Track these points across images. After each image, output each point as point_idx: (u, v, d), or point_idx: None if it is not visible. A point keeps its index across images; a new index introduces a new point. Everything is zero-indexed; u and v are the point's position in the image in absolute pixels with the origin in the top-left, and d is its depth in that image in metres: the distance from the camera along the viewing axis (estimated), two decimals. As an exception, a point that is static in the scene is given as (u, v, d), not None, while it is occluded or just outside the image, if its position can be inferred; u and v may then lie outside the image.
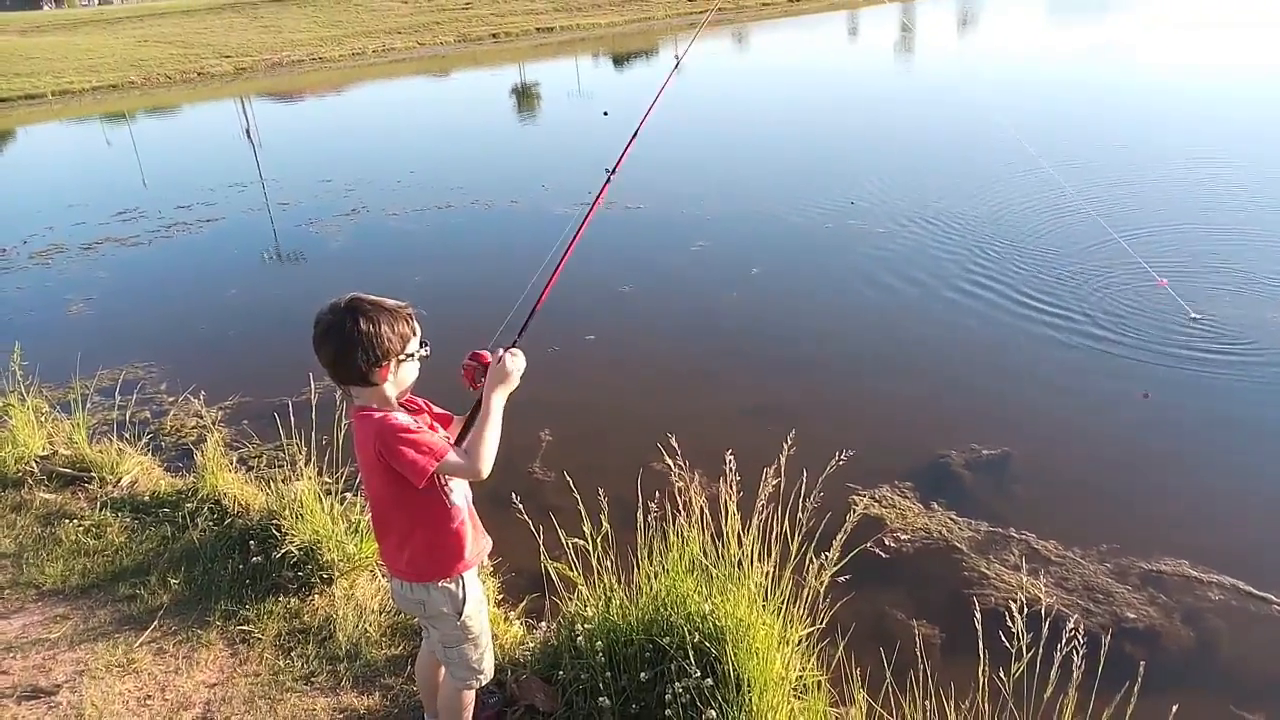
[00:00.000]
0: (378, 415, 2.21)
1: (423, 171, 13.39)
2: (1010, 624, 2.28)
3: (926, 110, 14.79)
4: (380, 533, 2.43)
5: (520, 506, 3.06)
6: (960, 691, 2.48)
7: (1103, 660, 2.29)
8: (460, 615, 2.41)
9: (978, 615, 2.41)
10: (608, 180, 2.92)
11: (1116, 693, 2.33)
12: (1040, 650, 2.29)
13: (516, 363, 2.34)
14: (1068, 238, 7.89)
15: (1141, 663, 2.25)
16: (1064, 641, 2.23)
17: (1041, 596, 3.42)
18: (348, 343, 2.14)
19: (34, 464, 4.70)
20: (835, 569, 2.77)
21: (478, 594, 2.47)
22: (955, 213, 8.89)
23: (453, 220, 10.65)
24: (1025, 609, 2.34)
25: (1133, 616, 3.59)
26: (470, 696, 2.66)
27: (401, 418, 2.24)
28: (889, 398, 5.65)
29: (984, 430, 5.00)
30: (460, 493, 2.38)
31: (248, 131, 19.29)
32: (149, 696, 3.13)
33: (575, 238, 2.63)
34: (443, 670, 2.60)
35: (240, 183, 13.47)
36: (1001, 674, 2.31)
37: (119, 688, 3.17)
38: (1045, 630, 2.29)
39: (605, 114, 16.89)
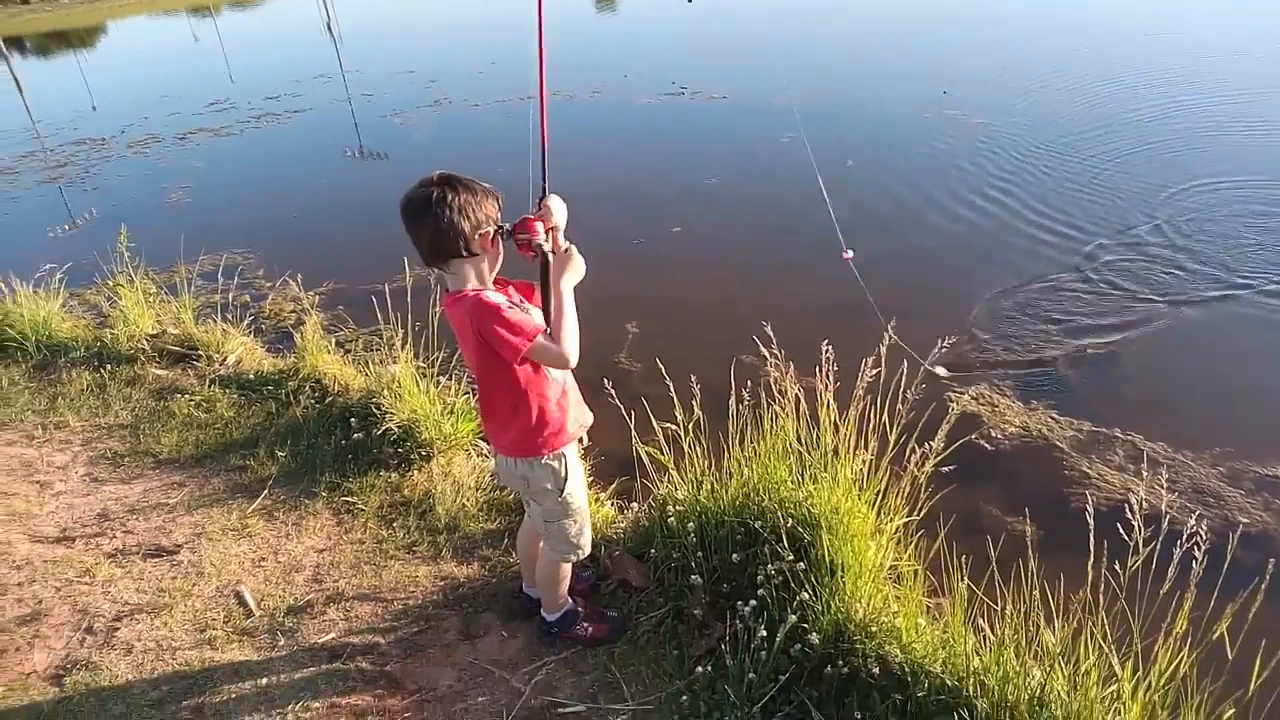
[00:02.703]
0: (471, 295, 2.18)
1: (503, 63, 13.17)
2: (1130, 518, 2.18)
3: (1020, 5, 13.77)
4: (485, 411, 2.43)
5: (612, 392, 3.05)
6: (1068, 585, 2.41)
7: (1227, 559, 2.19)
8: (562, 491, 2.44)
9: (1089, 510, 2.31)
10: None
11: (1236, 594, 2.23)
12: (1158, 547, 2.19)
13: (559, 208, 2.28)
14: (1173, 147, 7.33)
15: (1271, 561, 2.13)
16: (1184, 538, 2.12)
17: (1151, 498, 3.29)
18: (447, 211, 2.10)
19: (145, 342, 4.90)
20: (937, 459, 2.69)
21: (578, 471, 2.49)
22: (1052, 107, 8.33)
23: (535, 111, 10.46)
24: (1141, 506, 2.24)
25: (1246, 521, 3.44)
26: (568, 569, 2.72)
27: (494, 295, 2.21)
28: (990, 294, 5.42)
29: (1090, 328, 4.77)
30: None
31: (328, 25, 19.20)
32: (263, 559, 3.30)
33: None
34: (542, 543, 2.66)
35: (325, 74, 13.48)
36: (1117, 567, 2.22)
37: (234, 550, 3.35)
38: (1164, 527, 2.19)
39: (690, 1, 16.24)
